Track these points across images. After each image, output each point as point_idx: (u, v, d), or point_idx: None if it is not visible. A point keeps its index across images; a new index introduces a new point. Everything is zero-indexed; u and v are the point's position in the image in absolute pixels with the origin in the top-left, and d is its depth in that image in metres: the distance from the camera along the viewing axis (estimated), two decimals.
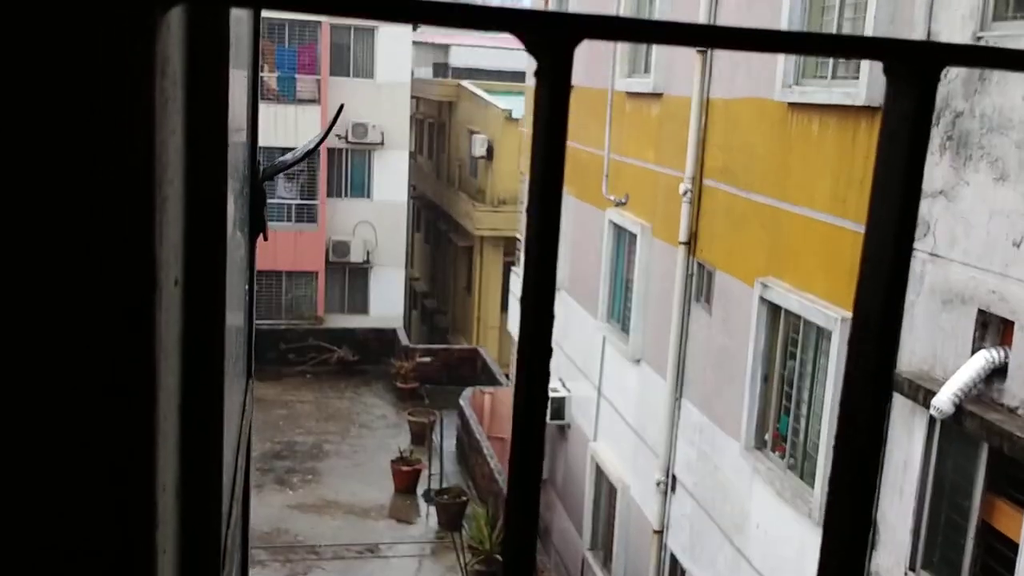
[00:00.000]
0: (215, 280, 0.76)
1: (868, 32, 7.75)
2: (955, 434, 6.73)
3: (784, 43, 0.54)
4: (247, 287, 1.60)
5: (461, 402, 20.64)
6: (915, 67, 0.56)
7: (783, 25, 9.03)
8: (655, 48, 12.23)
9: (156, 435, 0.62)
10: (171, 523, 0.78)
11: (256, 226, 1.56)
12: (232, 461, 1.35)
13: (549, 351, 0.54)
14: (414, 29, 28.98)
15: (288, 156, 2.80)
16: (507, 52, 39.53)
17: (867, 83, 7.75)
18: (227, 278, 0.90)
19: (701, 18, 10.76)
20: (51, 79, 0.49)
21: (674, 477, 11.55)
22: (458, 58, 39.44)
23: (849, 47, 0.58)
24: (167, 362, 0.65)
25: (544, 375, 0.56)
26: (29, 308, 0.53)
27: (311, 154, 3.53)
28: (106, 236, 0.54)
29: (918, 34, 7.16)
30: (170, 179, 0.60)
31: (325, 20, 26.66)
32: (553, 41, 0.52)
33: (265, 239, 1.68)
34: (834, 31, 8.59)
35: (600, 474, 14.01)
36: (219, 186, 0.77)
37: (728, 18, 10.47)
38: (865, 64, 7.80)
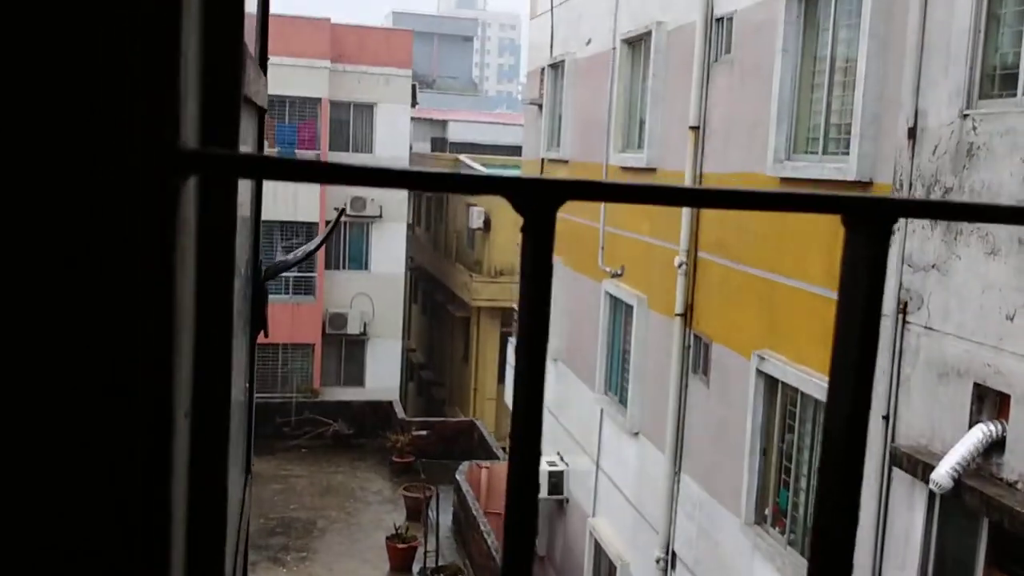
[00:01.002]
0: (221, 410, 0.81)
1: (857, 109, 7.91)
2: (955, 508, 6.70)
3: (753, 201, 0.59)
4: (247, 384, 1.64)
5: (458, 477, 20.46)
6: (871, 219, 0.61)
7: (774, 103, 9.22)
8: (649, 123, 12.45)
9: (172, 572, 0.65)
10: None
11: (257, 324, 1.61)
12: (232, 559, 1.37)
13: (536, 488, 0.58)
14: (412, 106, 29.44)
15: (290, 256, 2.86)
16: (503, 127, 40.11)
17: (857, 158, 7.89)
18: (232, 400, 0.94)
19: (693, 97, 10.98)
20: (86, 249, 0.54)
21: (674, 553, 11.42)
22: (456, 133, 40.00)
23: (809, 203, 0.63)
24: (177, 490, 0.69)
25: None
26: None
27: (312, 254, 3.60)
28: (125, 380, 0.58)
29: (906, 112, 7.31)
30: (182, 326, 0.65)
31: (325, 97, 27.09)
32: (537, 203, 0.57)
33: (266, 336, 1.72)
34: (823, 110, 8.77)
35: (599, 550, 13.85)
36: (226, 327, 0.82)
37: (720, 97, 10.68)
38: (855, 138, 7.95)
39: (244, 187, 1.41)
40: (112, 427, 0.58)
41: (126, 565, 0.56)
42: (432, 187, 0.56)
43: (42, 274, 0.53)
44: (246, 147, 1.45)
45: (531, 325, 0.58)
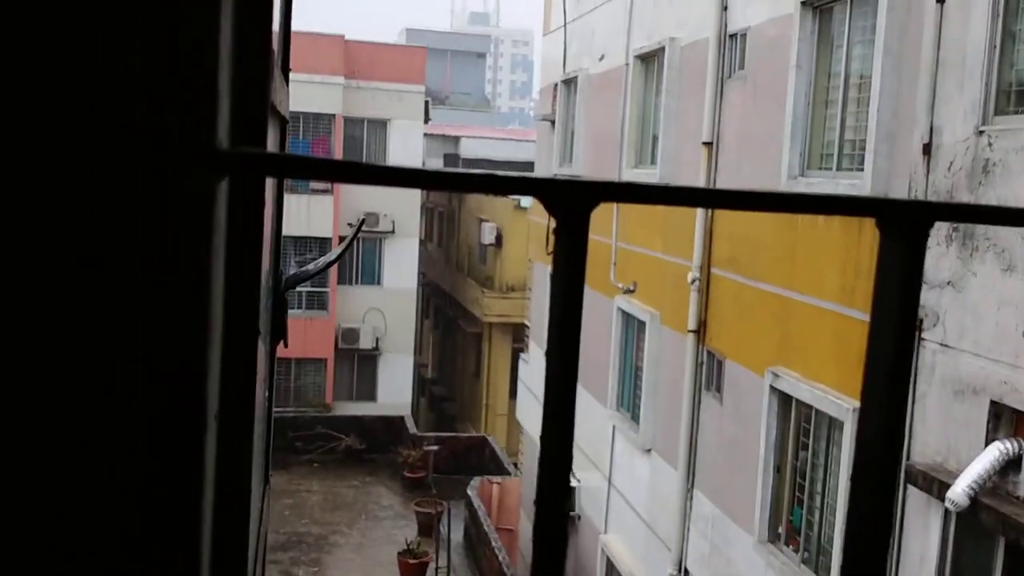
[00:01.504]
0: (247, 414, 0.80)
1: (872, 125, 7.89)
2: (971, 527, 6.64)
3: (782, 203, 0.59)
4: (267, 394, 1.64)
5: (469, 492, 20.40)
6: (905, 222, 0.61)
7: (787, 119, 9.21)
8: (662, 139, 12.45)
9: None
10: None
11: (277, 334, 1.61)
12: (251, 568, 1.37)
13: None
14: (425, 122, 29.53)
15: (310, 266, 2.86)
16: (516, 143, 40.20)
17: (872, 174, 7.87)
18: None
19: (706, 112, 10.98)
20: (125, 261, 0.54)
21: (686, 571, 11.35)
22: (468, 149, 40.11)
23: (842, 205, 0.62)
24: (206, 499, 0.68)
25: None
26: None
27: (332, 264, 3.61)
28: (159, 378, 0.58)
29: (920, 128, 7.29)
30: (214, 327, 0.65)
31: (339, 113, 27.21)
32: (571, 204, 0.56)
33: (286, 346, 1.73)
34: (837, 126, 8.75)
35: (611, 567, 13.77)
36: (252, 331, 0.83)
37: (733, 113, 10.68)
38: (869, 155, 7.93)
39: (267, 197, 1.41)
40: (147, 429, 0.58)
41: (159, 568, 0.56)
42: (463, 187, 0.56)
43: (80, 275, 0.53)
44: None
45: (563, 328, 0.57)
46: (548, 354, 0.61)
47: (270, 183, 1.41)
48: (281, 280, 1.67)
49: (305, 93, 26.15)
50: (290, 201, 26.07)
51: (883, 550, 0.67)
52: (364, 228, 27.79)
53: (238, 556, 0.86)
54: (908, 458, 7.22)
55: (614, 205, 13.94)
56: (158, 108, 0.51)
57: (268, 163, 0.52)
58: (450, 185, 0.55)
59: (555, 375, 0.60)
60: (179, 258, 0.53)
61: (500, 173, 0.57)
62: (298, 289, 27.57)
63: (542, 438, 0.60)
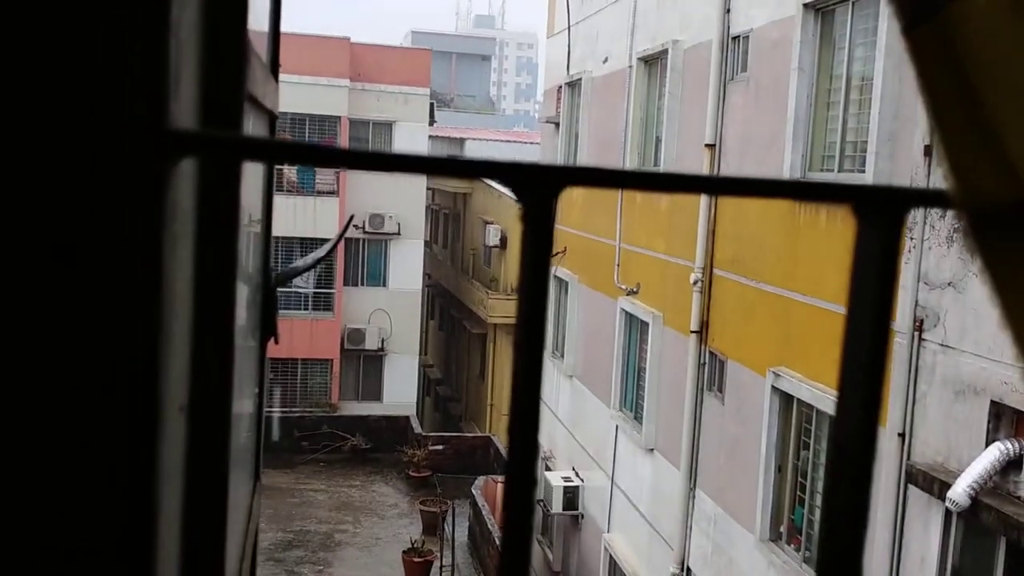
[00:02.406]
0: (221, 406, 0.79)
1: (873, 126, 7.88)
2: (972, 527, 6.62)
3: (757, 189, 0.58)
4: (257, 390, 1.64)
5: (473, 491, 20.41)
6: (882, 209, 0.60)
7: (789, 120, 9.20)
8: (665, 140, 12.44)
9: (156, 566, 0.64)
10: None
11: (268, 330, 1.60)
12: (236, 567, 1.36)
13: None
14: (430, 124, 29.54)
15: (300, 262, 2.85)
16: (520, 145, 40.20)
17: (873, 175, 7.85)
18: (235, 391, 0.93)
19: (709, 114, 10.96)
20: (64, 229, 0.53)
21: (689, 570, 11.33)
22: (473, 151, 40.12)
23: (817, 191, 0.61)
24: (169, 487, 0.67)
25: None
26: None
27: (323, 260, 3.61)
28: (110, 363, 0.57)
29: (922, 129, 7.28)
30: (177, 315, 0.64)
31: (344, 115, 27.23)
32: (537, 189, 0.55)
33: (276, 342, 1.72)
34: (839, 127, 8.74)
35: (614, 566, 13.76)
36: (227, 317, 0.81)
37: (735, 115, 10.66)
38: (871, 156, 7.92)
39: (254, 187, 1.41)
40: (96, 418, 0.57)
41: (108, 553, 0.55)
42: (431, 171, 0.55)
43: (25, 259, 0.52)
44: None
45: (529, 314, 0.56)
46: (515, 341, 0.60)
47: (256, 175, 1.41)
48: (272, 276, 1.67)
49: (310, 95, 26.19)
50: (296, 203, 26.15)
51: (860, 545, 0.66)
52: (370, 229, 27.82)
53: (213, 552, 0.86)
54: (909, 458, 7.20)
55: (617, 207, 13.94)
56: (102, 85, 0.50)
57: (225, 145, 0.51)
58: (414, 168, 0.55)
59: (523, 360, 0.59)
60: (126, 242, 0.52)
61: (465, 157, 0.56)
62: (304, 291, 27.60)
63: (509, 430, 0.59)
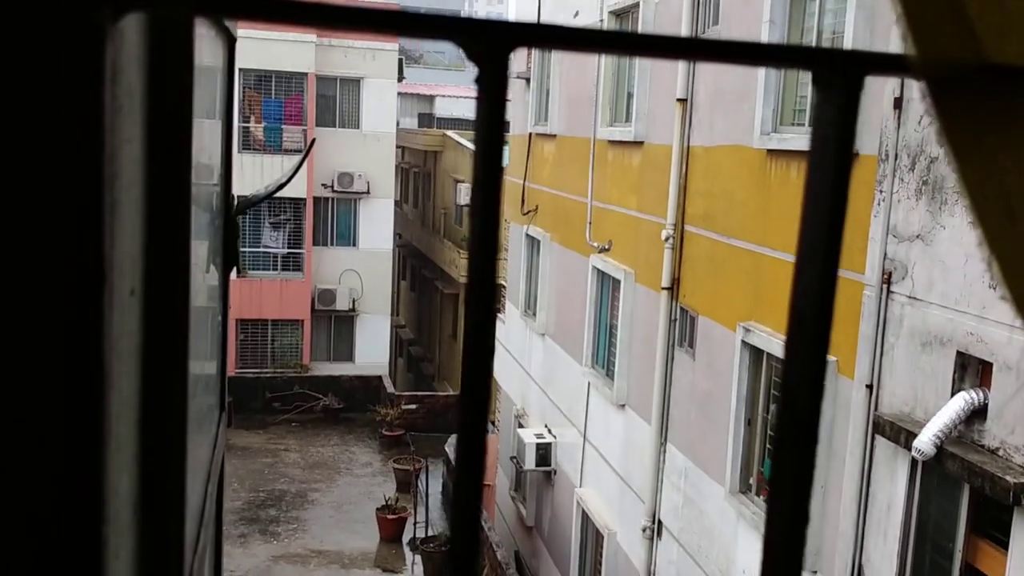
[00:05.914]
0: (178, 292, 0.77)
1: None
2: (937, 476, 6.74)
3: (710, 51, 0.57)
4: (220, 318, 1.62)
5: (447, 449, 20.53)
6: (839, 74, 0.59)
7: (760, 75, 9.18)
8: (636, 97, 12.40)
9: (106, 437, 0.63)
10: (127, 534, 0.79)
11: (230, 259, 1.58)
12: (201, 487, 1.35)
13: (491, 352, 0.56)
14: (399, 81, 29.26)
15: (261, 190, 2.82)
16: None
17: None
18: (192, 295, 0.91)
19: (680, 69, 10.93)
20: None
21: (660, 523, 11.48)
22: (443, 108, 39.81)
23: (775, 55, 0.60)
24: (121, 366, 0.66)
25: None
26: None
27: (283, 187, 3.57)
28: (52, 237, 0.55)
29: (892, 82, 7.29)
30: (125, 186, 0.62)
31: (311, 72, 26.91)
32: (492, 46, 0.54)
33: (239, 273, 1.70)
34: (809, 82, 8.72)
35: (586, 520, 13.91)
36: (182, 197, 0.79)
37: (707, 69, 10.63)
38: None
39: (210, 102, 1.37)
40: (42, 297, 0.55)
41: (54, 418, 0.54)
42: (378, 29, 0.54)
43: None
44: (216, 72, 1.42)
45: (484, 177, 0.55)
46: (471, 217, 0.59)
47: (211, 86, 1.37)
48: (233, 204, 1.65)
49: (277, 52, 25.83)
50: (264, 162, 25.88)
51: (806, 495, 0.65)
52: (339, 188, 27.60)
53: (173, 446, 0.84)
54: (876, 409, 7.30)
55: (589, 164, 13.91)
56: None
57: None
58: (355, 25, 0.53)
59: (477, 251, 0.57)
60: (62, 104, 0.50)
61: (411, 11, 0.54)
62: (273, 251, 27.40)
63: (465, 339, 0.58)
